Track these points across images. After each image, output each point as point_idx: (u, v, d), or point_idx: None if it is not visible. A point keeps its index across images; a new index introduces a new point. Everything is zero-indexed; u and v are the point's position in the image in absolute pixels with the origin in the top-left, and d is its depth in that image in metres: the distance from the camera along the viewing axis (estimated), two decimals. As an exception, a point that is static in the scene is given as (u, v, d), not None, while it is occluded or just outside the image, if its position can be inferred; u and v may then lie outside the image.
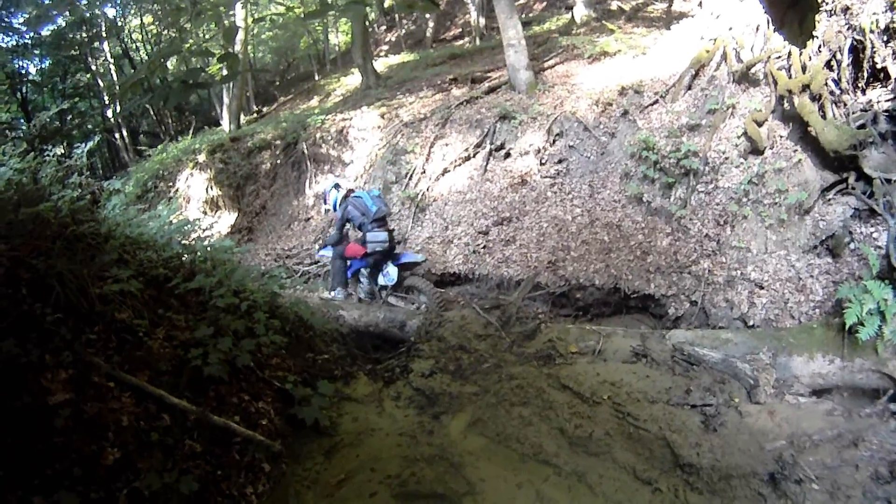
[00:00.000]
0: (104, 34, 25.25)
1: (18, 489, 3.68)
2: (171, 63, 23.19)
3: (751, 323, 7.97)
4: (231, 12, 18.78)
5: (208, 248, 7.59)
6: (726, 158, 9.70)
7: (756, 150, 9.40)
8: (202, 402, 5.17)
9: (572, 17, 19.02)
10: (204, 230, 8.33)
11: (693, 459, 5.17)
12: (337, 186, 10.62)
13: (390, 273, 10.06)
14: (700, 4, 14.06)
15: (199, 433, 4.87)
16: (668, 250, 9.44)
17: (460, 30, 26.37)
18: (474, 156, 13.36)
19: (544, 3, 24.35)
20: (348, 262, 10.31)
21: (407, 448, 5.43)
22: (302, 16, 18.15)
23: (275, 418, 5.66)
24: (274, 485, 4.99)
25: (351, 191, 10.42)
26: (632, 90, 12.07)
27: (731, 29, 11.10)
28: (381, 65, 22.20)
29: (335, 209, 10.48)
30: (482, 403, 6.10)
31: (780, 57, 9.68)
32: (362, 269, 10.35)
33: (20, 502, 3.65)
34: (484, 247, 11.40)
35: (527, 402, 6.05)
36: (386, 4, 29.82)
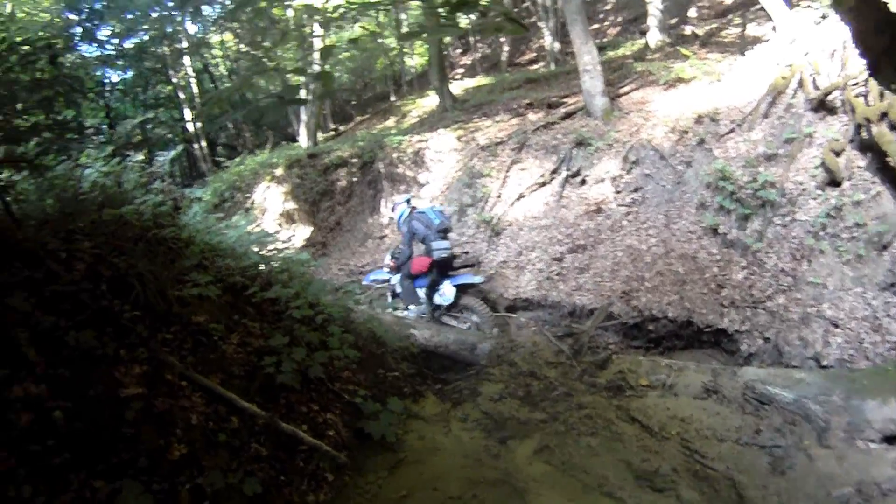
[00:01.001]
0: (186, 50, 25.93)
1: (82, 472, 3.89)
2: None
3: (824, 363, 7.84)
4: (315, 34, 19.15)
5: (286, 260, 7.82)
6: (804, 190, 9.55)
7: (834, 182, 9.25)
8: (272, 409, 5.35)
9: (646, 42, 18.85)
10: (282, 243, 8.58)
11: (759, 502, 5.18)
12: (408, 202, 11.05)
13: (447, 293, 10.27)
14: (775, 29, 13.89)
15: (266, 438, 5.05)
16: (742, 284, 9.35)
17: (535, 54, 26.32)
18: (550, 182, 13.36)
19: (618, 28, 24.19)
20: (414, 281, 10.59)
21: (471, 470, 5.52)
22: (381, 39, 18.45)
23: (342, 430, 5.79)
24: (336, 495, 5.09)
25: (414, 208, 10.87)
26: (708, 118, 11.92)
27: (806, 54, 10.93)
28: (457, 87, 22.26)
29: (399, 225, 10.96)
30: (550, 431, 6.17)
31: (857, 83, 9.54)
32: (419, 290, 10.60)
33: (82, 484, 3.85)
34: (558, 273, 11.39)
35: (595, 433, 6.12)
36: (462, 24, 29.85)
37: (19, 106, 5.23)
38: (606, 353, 7.90)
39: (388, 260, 11.33)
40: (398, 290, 10.81)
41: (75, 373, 4.32)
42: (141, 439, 4.31)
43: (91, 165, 7.73)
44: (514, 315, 11.43)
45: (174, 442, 4.51)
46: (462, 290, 10.44)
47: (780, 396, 6.43)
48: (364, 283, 11.30)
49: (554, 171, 13.38)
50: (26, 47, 5.37)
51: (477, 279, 10.87)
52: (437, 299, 10.41)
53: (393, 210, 11.50)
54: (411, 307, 10.49)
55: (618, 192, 12.15)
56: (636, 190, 11.95)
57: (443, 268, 10.55)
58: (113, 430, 4.22)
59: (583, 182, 12.87)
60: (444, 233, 10.56)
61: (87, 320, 4.68)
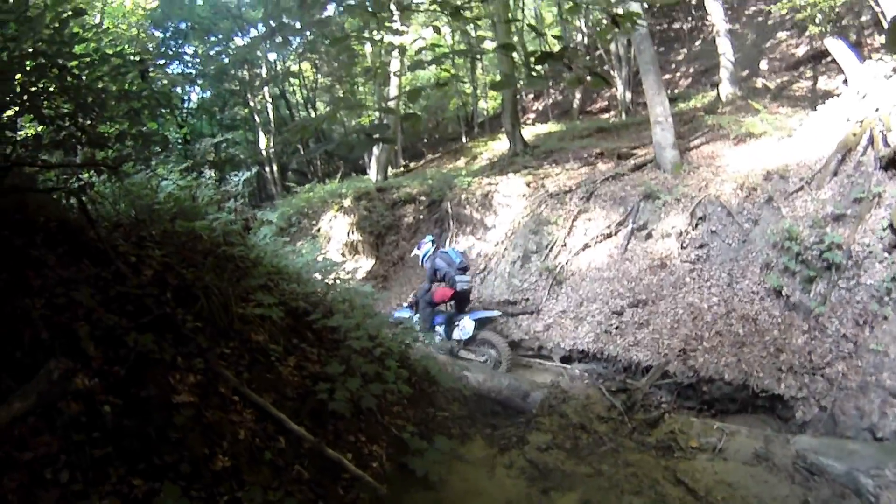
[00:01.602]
0: (271, 78, 26.61)
1: (122, 467, 3.98)
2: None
3: (879, 434, 7.53)
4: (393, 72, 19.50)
5: (349, 291, 7.93)
6: (870, 252, 9.26)
7: (901, 244, 9.00)
8: (320, 434, 5.41)
9: (717, 94, 18.74)
10: (347, 273, 8.71)
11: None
12: (433, 242, 12.30)
13: (466, 327, 10.96)
14: (846, 82, 13.73)
15: (310, 461, 5.10)
16: (802, 349, 9.11)
17: (606, 103, 26.34)
18: (616, 233, 13.30)
19: (689, 79, 24.09)
20: (435, 310, 11.30)
21: None
22: (451, 74, 18.69)
23: (386, 463, 5.82)
24: (372, 527, 5.08)
25: (438, 247, 11.86)
26: (777, 175, 11.75)
27: (877, 110, 10.58)
28: (528, 133, 22.28)
29: (423, 262, 12.06)
30: (594, 486, 6.10)
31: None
32: (437, 326, 11.14)
33: (120, 479, 3.93)
34: (616, 327, 11.28)
35: (640, 492, 6.02)
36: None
37: (106, 114, 5.44)
38: (659, 412, 7.81)
39: (411, 298, 12.20)
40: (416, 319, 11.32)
41: (130, 372, 4.44)
42: (186, 446, 4.40)
43: (167, 178, 7.95)
44: (568, 366, 11.41)
45: (219, 453, 4.59)
46: (480, 324, 11.13)
47: (832, 468, 6.27)
48: (392, 317, 11.51)
49: (620, 223, 13.31)
50: (117, 60, 5.58)
51: (495, 313, 11.85)
52: (457, 333, 11.01)
53: (419, 248, 12.43)
54: (436, 333, 11.07)
55: (683, 248, 12.03)
56: (701, 246, 11.80)
57: (461, 303, 11.46)
58: (160, 433, 4.31)
59: (649, 236, 12.77)
60: (463, 270, 11.38)
61: (149, 324, 4.81)
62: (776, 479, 6.35)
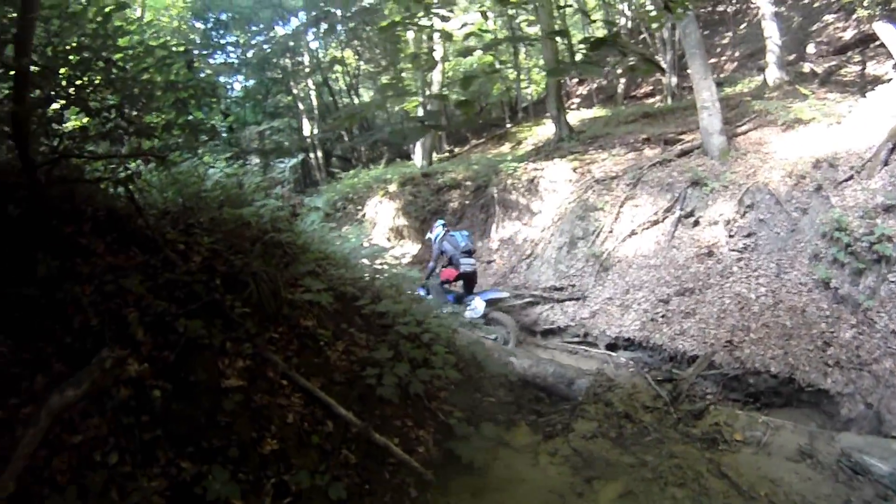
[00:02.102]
0: (310, 68, 26.77)
1: (171, 450, 4.10)
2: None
3: None
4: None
5: (396, 276, 7.97)
6: None
7: (953, 237, 8.76)
8: (367, 418, 5.47)
9: (764, 79, 18.35)
10: (395, 259, 8.76)
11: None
12: (444, 225, 12.88)
13: (477, 307, 11.45)
14: (895, 67, 13.43)
15: (357, 446, 5.19)
16: (850, 344, 8.94)
17: (651, 87, 25.92)
18: (663, 220, 13.18)
19: (735, 63, 23.64)
20: (445, 288, 12.19)
21: None
22: (497, 64, 18.61)
23: (432, 448, 5.89)
24: (417, 512, 5.14)
25: (448, 230, 12.35)
26: (826, 163, 11.52)
27: None
28: (573, 118, 22.06)
29: (434, 241, 12.54)
30: (637, 476, 6.07)
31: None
32: (450, 305, 11.48)
33: (169, 462, 4.07)
34: (662, 316, 11.19)
35: (682, 484, 5.98)
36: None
37: (153, 105, 5.52)
38: (704, 403, 7.72)
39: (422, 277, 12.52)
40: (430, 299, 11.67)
41: (179, 358, 4.53)
42: (235, 430, 4.50)
43: (214, 166, 8.04)
44: (613, 354, 11.38)
45: (267, 437, 4.68)
46: (491, 304, 11.66)
47: (876, 468, 6.15)
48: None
49: (667, 210, 13.19)
50: (162, 51, 5.65)
51: (504, 294, 12.53)
52: (468, 313, 11.34)
53: (431, 231, 12.99)
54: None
55: (730, 237, 11.86)
56: (749, 235, 11.63)
57: (468, 284, 12.00)
58: (208, 417, 4.41)
59: (696, 223, 12.64)
60: (468, 253, 11.92)
61: (198, 310, 4.90)
62: (820, 476, 6.26)
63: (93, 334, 4.30)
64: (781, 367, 9.21)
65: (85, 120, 5.28)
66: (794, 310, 9.89)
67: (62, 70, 4.84)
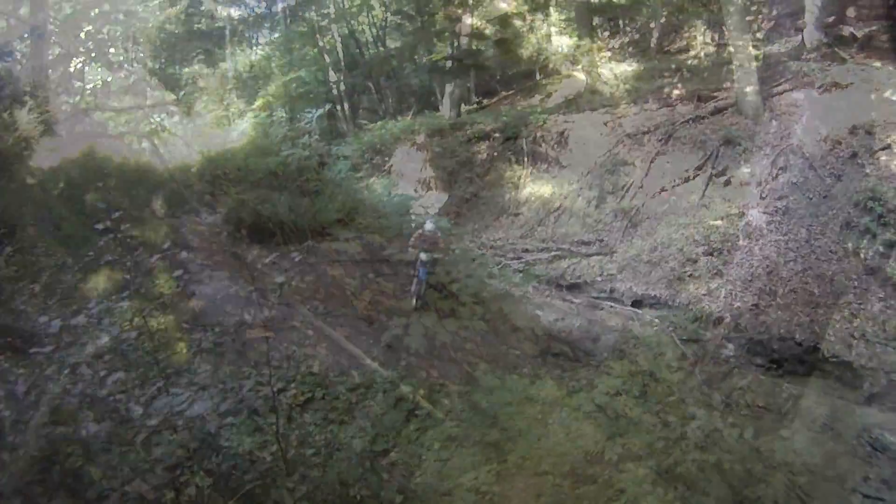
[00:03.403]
0: (333, 17, 26.55)
1: None
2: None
3: None
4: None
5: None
6: None
7: None
8: (393, 368, 5.50)
9: (802, 40, 17.98)
10: (423, 209, 8.70)
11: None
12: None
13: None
14: (934, 35, 13.09)
15: (382, 395, 5.30)
16: (877, 317, 8.83)
17: (685, 42, 25.48)
18: (694, 178, 13.03)
19: (772, 22, 23.14)
20: None
21: (575, 461, 5.58)
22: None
23: (457, 400, 5.95)
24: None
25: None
26: (863, 130, 11.28)
27: None
28: (605, 71, 21.89)
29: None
30: (659, 436, 6.09)
31: None
32: None
33: None
34: (690, 275, 11.11)
35: (704, 447, 5.97)
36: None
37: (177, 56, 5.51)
38: (728, 366, 7.69)
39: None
40: None
41: (204, 308, 4.55)
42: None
43: (241, 117, 8.02)
44: (639, 311, 11.25)
45: (292, 388, 4.73)
46: None
47: (895, 446, 6.13)
48: None
49: (699, 168, 13.03)
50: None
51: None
52: None
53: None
54: None
55: (762, 198, 11.66)
56: (780, 199, 11.41)
57: None
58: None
59: (727, 183, 12.48)
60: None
61: (223, 261, 4.91)
62: (840, 449, 6.25)
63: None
64: (807, 334, 9.09)
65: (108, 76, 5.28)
66: (823, 278, 9.75)
67: (84, 27, 4.82)
